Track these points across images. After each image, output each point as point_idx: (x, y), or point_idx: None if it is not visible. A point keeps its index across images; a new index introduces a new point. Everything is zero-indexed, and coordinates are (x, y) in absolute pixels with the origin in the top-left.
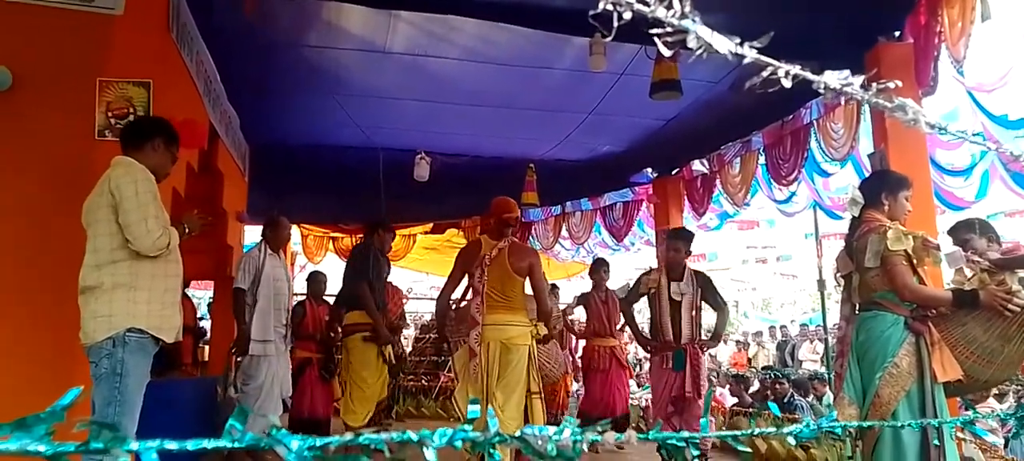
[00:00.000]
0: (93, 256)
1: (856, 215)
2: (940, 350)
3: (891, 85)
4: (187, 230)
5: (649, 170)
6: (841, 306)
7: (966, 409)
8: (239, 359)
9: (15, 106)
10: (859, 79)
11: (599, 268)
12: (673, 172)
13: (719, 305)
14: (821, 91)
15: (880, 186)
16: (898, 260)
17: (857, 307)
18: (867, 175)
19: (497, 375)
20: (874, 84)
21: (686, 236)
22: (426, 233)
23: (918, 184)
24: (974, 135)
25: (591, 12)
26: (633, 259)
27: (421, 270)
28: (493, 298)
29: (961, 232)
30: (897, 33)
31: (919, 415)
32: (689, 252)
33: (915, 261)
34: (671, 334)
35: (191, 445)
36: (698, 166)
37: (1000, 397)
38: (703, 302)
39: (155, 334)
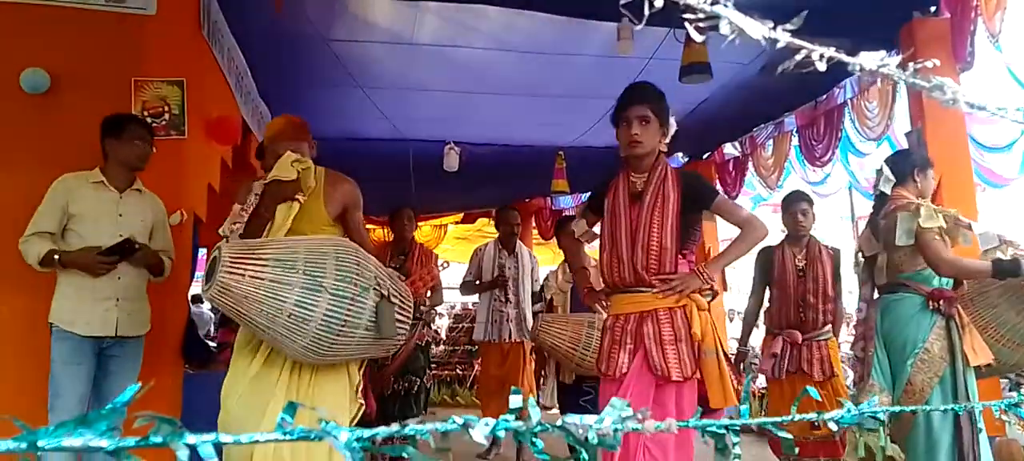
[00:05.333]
0: None
1: (887, 191)
2: (970, 333)
3: (929, 64)
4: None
5: (680, 155)
6: (860, 288)
7: (1011, 390)
8: None
9: (53, 108)
10: (896, 59)
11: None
12: (704, 156)
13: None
14: (857, 72)
15: (912, 163)
16: (932, 236)
17: (876, 290)
18: (893, 152)
19: None
20: (911, 64)
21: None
22: (457, 223)
23: (957, 161)
24: (1016, 110)
25: (622, 1)
26: None
27: (453, 260)
28: None
29: None
30: (933, 8)
31: (952, 399)
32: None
33: (948, 239)
34: None
35: (245, 439)
36: (730, 149)
37: None
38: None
39: (65, 328)
